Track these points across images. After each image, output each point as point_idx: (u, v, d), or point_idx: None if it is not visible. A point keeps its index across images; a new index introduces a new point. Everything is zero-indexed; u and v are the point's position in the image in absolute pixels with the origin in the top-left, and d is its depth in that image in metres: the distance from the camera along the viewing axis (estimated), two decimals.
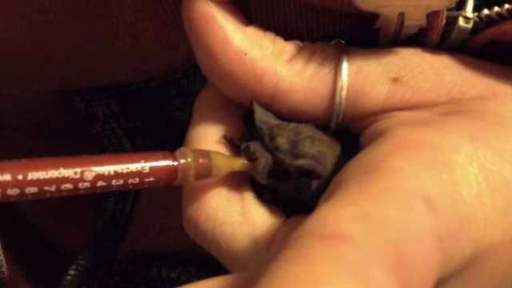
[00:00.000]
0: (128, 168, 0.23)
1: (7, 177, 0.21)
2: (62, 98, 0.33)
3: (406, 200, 0.19)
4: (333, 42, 0.27)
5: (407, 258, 0.17)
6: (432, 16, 0.25)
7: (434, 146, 0.21)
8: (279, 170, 0.25)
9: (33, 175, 0.21)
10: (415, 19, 0.25)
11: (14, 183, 0.21)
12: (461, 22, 0.25)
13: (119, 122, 0.34)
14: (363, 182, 0.20)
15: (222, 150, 0.26)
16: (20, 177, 0.21)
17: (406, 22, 0.25)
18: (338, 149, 0.25)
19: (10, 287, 0.34)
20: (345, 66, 0.25)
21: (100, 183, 0.22)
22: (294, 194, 0.26)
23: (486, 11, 0.25)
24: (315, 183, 0.25)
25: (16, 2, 0.27)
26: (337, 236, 0.17)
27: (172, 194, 0.29)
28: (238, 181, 0.27)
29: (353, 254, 0.17)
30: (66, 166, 0.22)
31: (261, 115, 0.26)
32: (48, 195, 0.22)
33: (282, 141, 0.25)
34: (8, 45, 0.30)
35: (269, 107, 0.26)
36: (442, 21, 0.25)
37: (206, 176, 0.25)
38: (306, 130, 0.25)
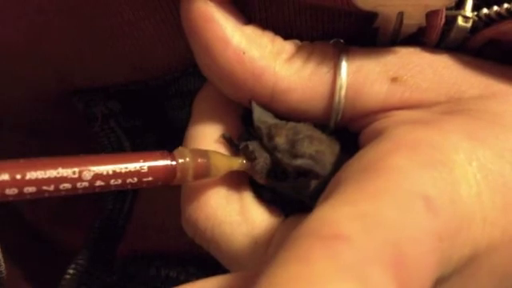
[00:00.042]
0: (126, 168, 0.23)
1: (5, 176, 0.21)
2: (62, 97, 0.33)
3: (405, 200, 0.19)
4: (332, 41, 0.27)
5: (406, 258, 0.17)
6: (431, 15, 0.25)
7: (434, 146, 0.21)
8: (277, 170, 0.25)
9: (31, 175, 0.21)
10: (414, 18, 0.25)
11: (13, 183, 0.21)
12: (460, 21, 0.25)
13: (118, 121, 0.34)
14: (362, 182, 0.20)
15: (221, 149, 0.26)
16: (18, 176, 0.21)
17: (405, 21, 0.25)
18: (336, 148, 0.25)
19: (9, 287, 0.34)
20: (344, 65, 0.25)
21: (98, 183, 0.22)
22: (292, 193, 0.25)
23: (485, 10, 0.25)
24: (314, 183, 0.25)
25: (14, 3, 0.27)
26: (335, 236, 0.17)
27: (171, 194, 0.29)
28: (236, 180, 0.27)
29: (351, 254, 0.17)
30: (64, 166, 0.22)
31: (259, 114, 0.26)
32: (46, 195, 0.22)
33: (281, 140, 0.25)
34: (7, 45, 0.30)
35: (268, 106, 0.26)
36: (441, 20, 0.25)
37: (204, 176, 0.25)
38: (305, 130, 0.25)
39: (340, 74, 0.25)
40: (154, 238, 0.36)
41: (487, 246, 0.21)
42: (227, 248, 0.26)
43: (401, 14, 0.25)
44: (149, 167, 0.23)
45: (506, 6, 0.25)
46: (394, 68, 0.25)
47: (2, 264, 0.33)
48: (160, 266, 0.35)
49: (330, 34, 0.27)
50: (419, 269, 0.18)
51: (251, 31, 0.26)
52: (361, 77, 0.25)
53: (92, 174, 0.22)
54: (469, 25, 0.25)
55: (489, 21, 0.25)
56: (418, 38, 0.26)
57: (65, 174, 0.22)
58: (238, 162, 0.25)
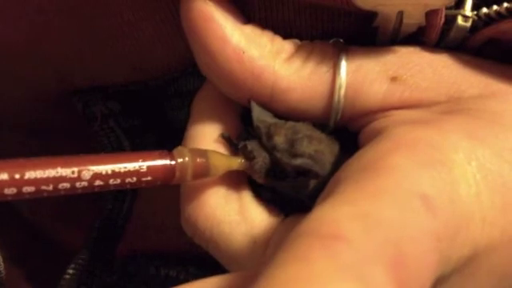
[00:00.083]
0: (125, 167, 0.23)
1: (4, 176, 0.21)
2: (62, 97, 0.33)
3: (404, 199, 0.19)
4: (331, 41, 0.27)
5: (405, 257, 0.17)
6: (431, 14, 0.25)
7: (433, 145, 0.21)
8: (277, 169, 0.25)
9: (30, 174, 0.21)
10: (414, 18, 0.25)
11: (12, 182, 0.21)
12: (459, 20, 0.25)
13: (118, 121, 0.34)
14: (361, 181, 0.19)
15: (220, 148, 0.26)
16: (17, 176, 0.21)
17: (405, 21, 0.25)
18: (336, 148, 0.25)
19: (8, 287, 0.34)
20: (343, 64, 0.25)
21: (97, 182, 0.22)
22: (291, 193, 0.25)
23: (484, 10, 0.25)
24: (313, 182, 0.25)
25: (15, 3, 0.27)
26: (335, 236, 0.17)
27: (170, 194, 0.29)
28: (235, 180, 0.27)
29: (351, 254, 0.17)
30: (63, 166, 0.22)
31: (258, 114, 0.26)
32: (45, 194, 0.22)
33: (280, 140, 0.25)
34: (7, 45, 0.30)
35: (267, 106, 0.26)
36: (440, 19, 0.25)
37: (203, 175, 0.25)
38: (304, 129, 0.25)
39: (339, 74, 0.25)
40: (153, 237, 0.36)
41: (486, 246, 0.21)
42: (226, 247, 0.26)
43: (400, 14, 0.25)
44: (148, 167, 0.23)
45: (505, 5, 0.25)
46: (394, 67, 0.25)
47: (2, 264, 0.33)
48: (160, 266, 0.35)
49: (330, 33, 0.27)
50: (419, 268, 0.18)
51: (250, 30, 0.26)
52: (360, 76, 0.25)
53: (91, 173, 0.22)
54: (468, 24, 0.25)
55: (488, 20, 0.25)
56: (418, 38, 0.26)
57: (64, 174, 0.22)
58: (237, 162, 0.25)
